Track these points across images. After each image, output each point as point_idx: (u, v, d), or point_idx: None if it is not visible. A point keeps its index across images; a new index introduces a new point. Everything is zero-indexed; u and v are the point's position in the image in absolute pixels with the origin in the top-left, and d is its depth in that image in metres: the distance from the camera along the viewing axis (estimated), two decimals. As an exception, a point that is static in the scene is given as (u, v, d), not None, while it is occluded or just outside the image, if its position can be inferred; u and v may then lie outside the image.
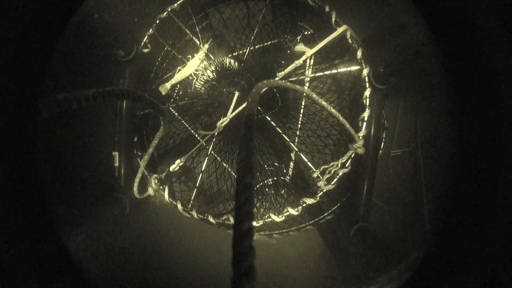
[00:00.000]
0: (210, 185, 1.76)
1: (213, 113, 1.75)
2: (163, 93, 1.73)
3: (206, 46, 1.72)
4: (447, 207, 0.78)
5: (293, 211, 1.49)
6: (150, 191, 1.67)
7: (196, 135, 1.78)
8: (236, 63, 1.79)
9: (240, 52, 1.82)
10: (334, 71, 1.63)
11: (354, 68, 1.57)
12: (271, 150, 1.78)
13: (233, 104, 1.62)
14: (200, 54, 1.71)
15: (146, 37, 1.73)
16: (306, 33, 1.77)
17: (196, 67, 1.72)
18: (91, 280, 0.81)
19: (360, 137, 1.46)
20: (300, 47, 1.60)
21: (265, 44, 1.80)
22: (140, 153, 1.74)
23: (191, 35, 1.79)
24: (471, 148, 0.76)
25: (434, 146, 1.59)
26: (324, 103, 1.32)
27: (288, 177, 1.73)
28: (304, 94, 1.64)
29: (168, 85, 1.72)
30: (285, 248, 1.75)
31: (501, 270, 0.66)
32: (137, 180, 1.58)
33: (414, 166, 1.66)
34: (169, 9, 1.72)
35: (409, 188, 1.67)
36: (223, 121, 1.61)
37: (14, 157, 0.71)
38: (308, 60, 1.66)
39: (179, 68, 1.75)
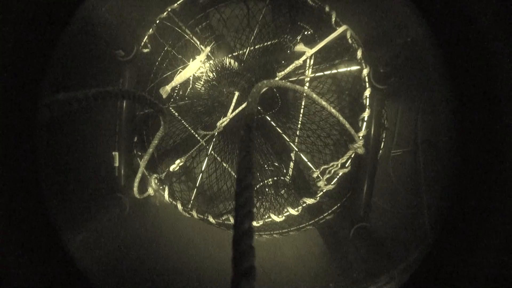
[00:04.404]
0: (210, 185, 1.76)
1: (213, 113, 1.75)
2: (164, 96, 1.73)
3: (208, 49, 1.72)
4: (447, 207, 0.78)
5: (293, 211, 1.49)
6: (150, 191, 1.67)
7: (196, 135, 1.78)
8: (236, 63, 1.79)
9: (240, 52, 1.82)
10: (334, 71, 1.63)
11: (354, 68, 1.57)
12: (271, 150, 1.78)
13: (233, 104, 1.61)
14: (202, 57, 1.71)
15: (146, 37, 1.73)
16: (306, 33, 1.77)
17: (196, 69, 1.72)
18: (91, 280, 0.81)
19: (360, 137, 1.46)
20: (300, 47, 1.60)
21: (265, 44, 1.80)
22: (140, 153, 1.74)
23: (190, 36, 1.78)
24: (471, 148, 0.76)
25: (434, 146, 1.60)
26: (324, 103, 1.32)
27: (288, 177, 1.73)
28: (304, 94, 1.64)
29: (168, 87, 1.72)
30: (285, 248, 1.75)
31: (501, 270, 0.66)
32: (137, 180, 1.58)
33: (414, 166, 1.66)
34: (169, 9, 1.72)
35: (409, 188, 1.67)
36: (223, 121, 1.61)
37: (14, 157, 0.71)
38: (308, 60, 1.66)
39: (179, 69, 1.75)
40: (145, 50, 1.73)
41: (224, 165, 1.77)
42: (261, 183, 1.74)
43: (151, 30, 1.73)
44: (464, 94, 0.77)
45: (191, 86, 1.78)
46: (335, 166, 1.48)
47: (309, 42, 1.65)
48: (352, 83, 1.66)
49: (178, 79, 1.72)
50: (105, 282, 1.15)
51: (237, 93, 1.62)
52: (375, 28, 1.59)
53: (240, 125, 1.65)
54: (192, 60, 1.73)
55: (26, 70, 0.74)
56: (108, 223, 1.50)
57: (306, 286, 1.51)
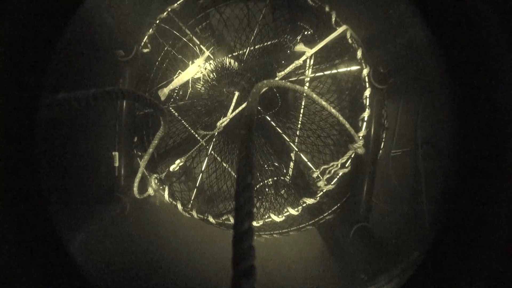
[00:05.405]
0: (210, 185, 1.76)
1: (213, 113, 1.75)
2: (162, 98, 1.74)
3: (206, 54, 1.72)
4: (447, 207, 0.78)
5: (293, 211, 1.49)
6: (150, 191, 1.67)
7: (196, 135, 1.78)
8: (236, 63, 1.79)
9: (240, 52, 1.82)
10: (334, 71, 1.63)
11: (354, 68, 1.57)
12: (271, 150, 1.78)
13: (233, 104, 1.61)
14: (200, 61, 1.71)
15: (146, 37, 1.73)
16: (306, 33, 1.77)
17: (194, 74, 1.73)
18: (91, 280, 0.81)
19: (360, 137, 1.46)
20: (300, 47, 1.60)
21: (265, 44, 1.80)
22: (140, 153, 1.74)
23: (189, 37, 1.78)
24: (471, 148, 0.76)
25: (434, 146, 1.60)
26: (324, 103, 1.32)
27: (288, 177, 1.73)
28: (304, 94, 1.64)
29: (166, 90, 1.73)
30: (285, 248, 1.75)
31: (502, 270, 0.66)
32: (137, 180, 1.58)
33: (414, 166, 1.67)
34: (169, 9, 1.72)
35: (409, 188, 1.67)
36: (223, 121, 1.61)
37: (14, 157, 0.71)
38: (308, 60, 1.66)
39: (179, 71, 1.75)
40: (145, 50, 1.73)
41: (224, 165, 1.77)
42: (261, 183, 1.74)
43: (151, 30, 1.73)
44: (464, 94, 0.77)
45: (190, 89, 1.79)
46: (335, 166, 1.48)
47: (309, 42, 1.65)
48: (352, 83, 1.66)
49: (176, 82, 1.73)
50: (105, 282, 1.14)
51: (237, 93, 1.62)
52: (375, 28, 1.59)
53: (240, 125, 1.65)
54: (191, 64, 1.74)
55: (26, 70, 0.74)
56: (108, 223, 1.50)
57: (306, 286, 1.51)
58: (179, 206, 1.62)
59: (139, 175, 1.57)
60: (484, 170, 0.73)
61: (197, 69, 1.72)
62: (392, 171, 1.75)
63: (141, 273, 1.46)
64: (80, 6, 0.84)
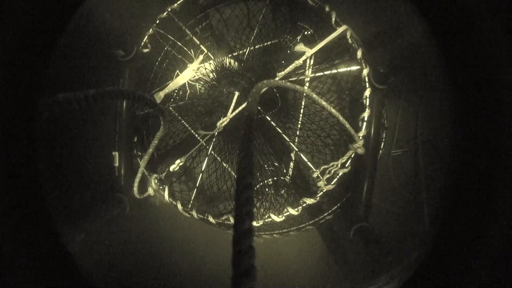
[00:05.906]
0: (210, 185, 1.76)
1: (213, 113, 1.75)
2: (158, 101, 1.74)
3: (200, 58, 1.72)
4: (447, 207, 0.78)
5: (293, 211, 1.49)
6: (150, 191, 1.67)
7: (196, 135, 1.78)
8: (236, 63, 1.79)
9: (240, 52, 1.82)
10: (334, 71, 1.63)
11: (354, 68, 1.57)
12: (271, 150, 1.78)
13: (233, 104, 1.62)
14: (194, 65, 1.72)
15: (146, 37, 1.73)
16: (306, 33, 1.77)
17: (189, 77, 1.74)
18: (91, 280, 0.81)
19: (360, 137, 1.46)
20: (300, 47, 1.60)
21: (265, 44, 1.80)
22: (140, 153, 1.74)
23: (187, 39, 1.78)
24: (471, 148, 0.76)
25: (434, 146, 1.60)
26: (324, 103, 1.32)
27: (288, 177, 1.73)
28: (304, 94, 1.64)
29: (162, 94, 1.73)
30: (285, 248, 1.75)
31: (501, 270, 0.66)
32: (137, 180, 1.58)
33: (414, 166, 1.67)
34: (169, 9, 1.72)
35: (409, 188, 1.67)
36: (223, 121, 1.61)
37: (14, 157, 0.71)
38: (308, 60, 1.66)
39: (177, 72, 1.75)
40: (145, 50, 1.73)
41: (224, 165, 1.77)
42: (261, 183, 1.74)
43: (151, 30, 1.73)
44: (464, 94, 0.77)
45: (188, 91, 1.79)
46: (335, 166, 1.48)
47: (309, 42, 1.65)
48: (352, 83, 1.66)
49: (172, 86, 1.74)
50: (105, 282, 1.14)
51: (237, 93, 1.62)
52: (375, 28, 1.59)
53: (240, 125, 1.65)
54: (188, 65, 1.75)
55: (26, 70, 0.74)
56: (108, 223, 1.50)
57: (306, 286, 1.51)
58: (179, 206, 1.62)
59: (139, 175, 1.57)
60: (484, 170, 0.73)
61: (192, 73, 1.73)
62: (392, 171, 1.75)
63: (141, 273, 1.46)
64: (80, 6, 0.84)
